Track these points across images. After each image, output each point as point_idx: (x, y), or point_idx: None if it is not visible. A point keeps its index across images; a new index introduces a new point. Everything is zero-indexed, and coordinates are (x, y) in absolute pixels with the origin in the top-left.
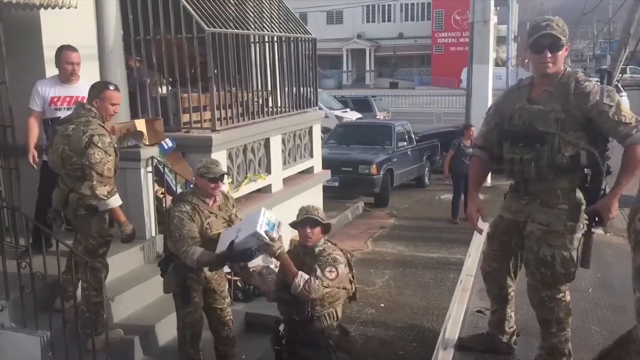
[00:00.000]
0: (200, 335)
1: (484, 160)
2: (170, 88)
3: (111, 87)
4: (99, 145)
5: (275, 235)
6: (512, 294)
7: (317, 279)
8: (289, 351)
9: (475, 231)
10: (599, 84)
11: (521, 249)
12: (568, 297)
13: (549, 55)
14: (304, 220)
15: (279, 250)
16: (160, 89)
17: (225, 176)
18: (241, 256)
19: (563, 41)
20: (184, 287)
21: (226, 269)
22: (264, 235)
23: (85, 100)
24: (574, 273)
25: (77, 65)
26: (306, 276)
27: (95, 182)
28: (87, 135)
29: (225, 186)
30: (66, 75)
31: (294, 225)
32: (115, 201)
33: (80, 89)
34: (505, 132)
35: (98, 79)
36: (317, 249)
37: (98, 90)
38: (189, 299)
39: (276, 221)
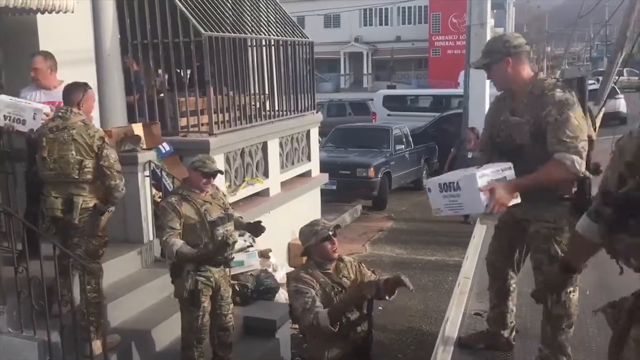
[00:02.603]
0: (205, 339)
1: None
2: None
3: (89, 87)
4: (111, 145)
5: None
6: (514, 286)
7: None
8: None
9: (473, 232)
10: (562, 94)
11: (526, 245)
12: (577, 293)
13: (487, 74)
14: (334, 229)
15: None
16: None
17: (222, 178)
18: (224, 260)
19: (487, 61)
20: (195, 291)
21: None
22: None
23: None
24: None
25: (38, 70)
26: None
27: (118, 181)
28: (97, 138)
29: (223, 188)
30: (33, 80)
31: (328, 238)
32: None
33: (59, 95)
34: (494, 145)
35: (95, 83)
36: (350, 261)
37: (81, 92)
38: (199, 303)
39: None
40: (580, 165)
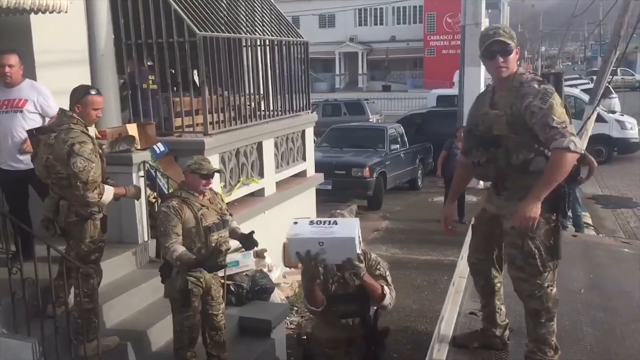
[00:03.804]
0: (197, 339)
1: (466, 165)
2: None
3: (92, 92)
4: (80, 153)
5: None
6: (498, 285)
7: (390, 286)
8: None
9: (468, 232)
10: (540, 85)
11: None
12: (555, 289)
13: (501, 59)
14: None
15: (363, 272)
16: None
17: (218, 177)
18: (217, 266)
19: (512, 45)
20: (185, 291)
21: (220, 273)
22: (357, 245)
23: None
24: (557, 260)
25: (9, 67)
26: (387, 289)
27: (82, 192)
28: (68, 144)
29: (218, 188)
30: (2, 77)
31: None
32: (109, 194)
33: (21, 91)
34: (473, 137)
35: (89, 83)
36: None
37: (79, 95)
38: (189, 303)
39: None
40: (578, 143)
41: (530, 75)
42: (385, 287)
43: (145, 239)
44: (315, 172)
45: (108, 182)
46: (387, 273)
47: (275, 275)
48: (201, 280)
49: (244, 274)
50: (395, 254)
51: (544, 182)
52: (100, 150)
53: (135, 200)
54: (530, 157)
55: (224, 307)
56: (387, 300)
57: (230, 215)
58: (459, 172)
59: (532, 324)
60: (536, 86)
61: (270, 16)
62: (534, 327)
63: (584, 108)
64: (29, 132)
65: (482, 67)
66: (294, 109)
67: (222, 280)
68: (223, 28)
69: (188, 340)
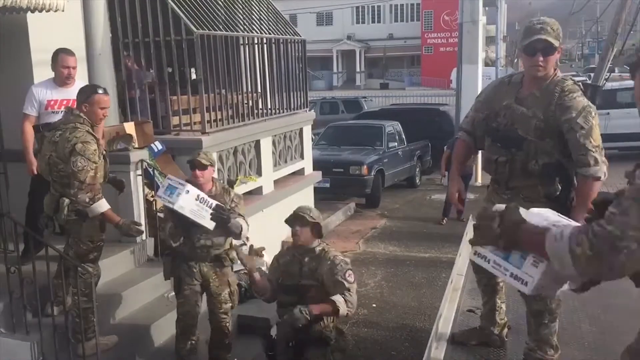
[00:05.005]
0: (190, 331)
1: (469, 144)
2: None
3: (100, 91)
4: (82, 153)
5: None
6: (501, 284)
7: (348, 292)
8: (292, 353)
9: (466, 229)
10: (584, 99)
11: None
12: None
13: (541, 59)
14: (293, 219)
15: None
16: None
17: (215, 176)
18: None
19: (556, 45)
20: (175, 277)
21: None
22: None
23: (74, 105)
24: None
25: (73, 69)
26: (341, 299)
27: (76, 190)
28: (71, 143)
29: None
30: (62, 79)
31: (287, 223)
32: (100, 207)
33: (76, 92)
34: (489, 128)
35: (86, 82)
36: (317, 249)
37: (86, 94)
38: (179, 289)
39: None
40: (606, 171)
41: (571, 82)
42: (338, 297)
43: (144, 237)
44: (313, 170)
45: (110, 177)
46: (347, 275)
47: None
48: (194, 269)
49: (242, 272)
50: (394, 251)
51: (580, 211)
52: (104, 151)
53: (133, 199)
54: (549, 162)
55: (229, 308)
56: (343, 311)
57: (242, 216)
58: (461, 150)
59: (535, 324)
60: (581, 100)
61: (268, 14)
62: (536, 327)
63: None
64: (35, 128)
65: (480, 65)
66: (292, 107)
67: (230, 279)
68: (220, 26)
69: (180, 328)
